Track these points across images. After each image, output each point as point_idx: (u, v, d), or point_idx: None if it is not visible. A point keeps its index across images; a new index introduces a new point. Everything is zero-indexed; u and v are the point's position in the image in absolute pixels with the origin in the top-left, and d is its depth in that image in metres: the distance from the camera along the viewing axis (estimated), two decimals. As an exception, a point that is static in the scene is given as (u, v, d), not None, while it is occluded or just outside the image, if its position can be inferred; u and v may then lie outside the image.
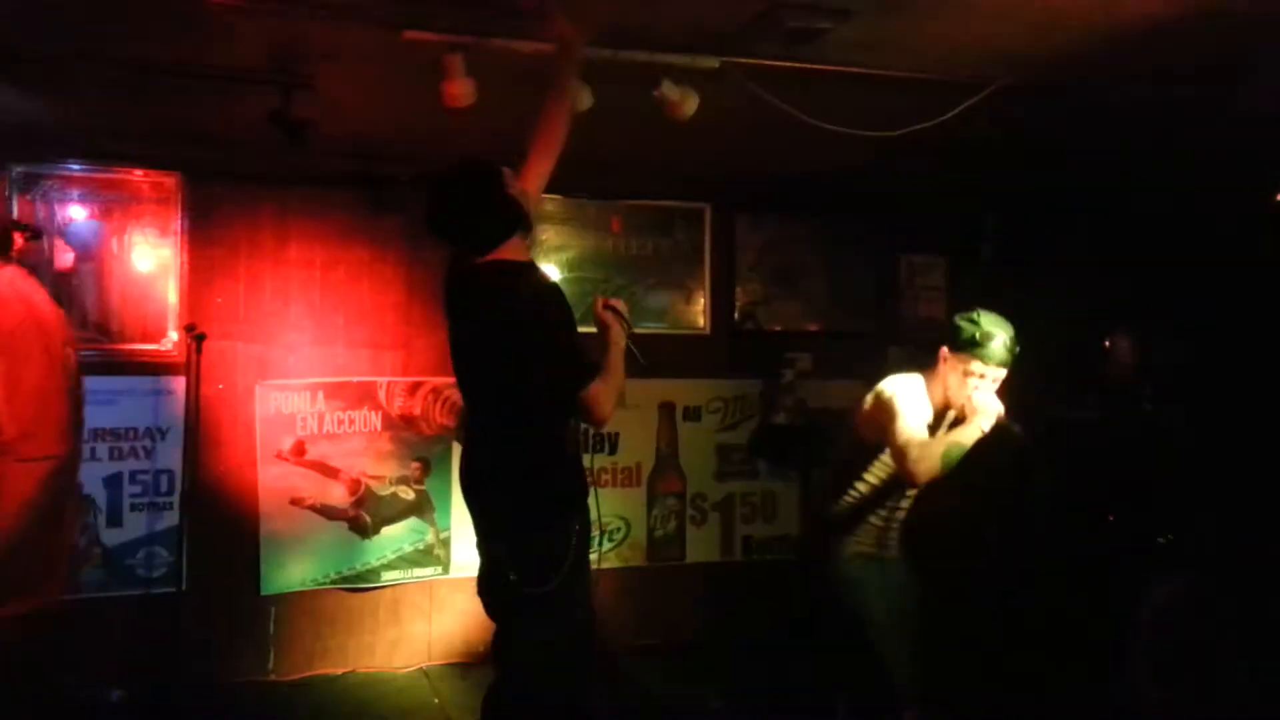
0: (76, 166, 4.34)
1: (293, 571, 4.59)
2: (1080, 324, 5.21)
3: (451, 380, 2.95)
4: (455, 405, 4.74)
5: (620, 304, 2.77)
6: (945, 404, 3.27)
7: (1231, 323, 4.87)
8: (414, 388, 4.79)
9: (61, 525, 3.34)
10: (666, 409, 5.25)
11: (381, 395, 4.74)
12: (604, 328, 2.72)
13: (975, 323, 3.15)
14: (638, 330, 2.84)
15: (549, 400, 2.62)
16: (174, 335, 4.43)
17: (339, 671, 4.68)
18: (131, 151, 4.37)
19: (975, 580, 4.66)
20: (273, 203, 4.61)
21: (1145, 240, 5.25)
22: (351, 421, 4.68)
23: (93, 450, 4.25)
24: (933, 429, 3.24)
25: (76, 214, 4.33)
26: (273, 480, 4.56)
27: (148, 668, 4.24)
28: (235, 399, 4.54)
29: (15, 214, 4.10)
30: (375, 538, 4.72)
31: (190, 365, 4.28)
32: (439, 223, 2.73)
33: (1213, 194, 4.85)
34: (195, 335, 4.25)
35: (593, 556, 2.83)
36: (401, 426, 4.76)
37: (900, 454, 3.09)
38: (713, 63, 3.21)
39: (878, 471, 3.30)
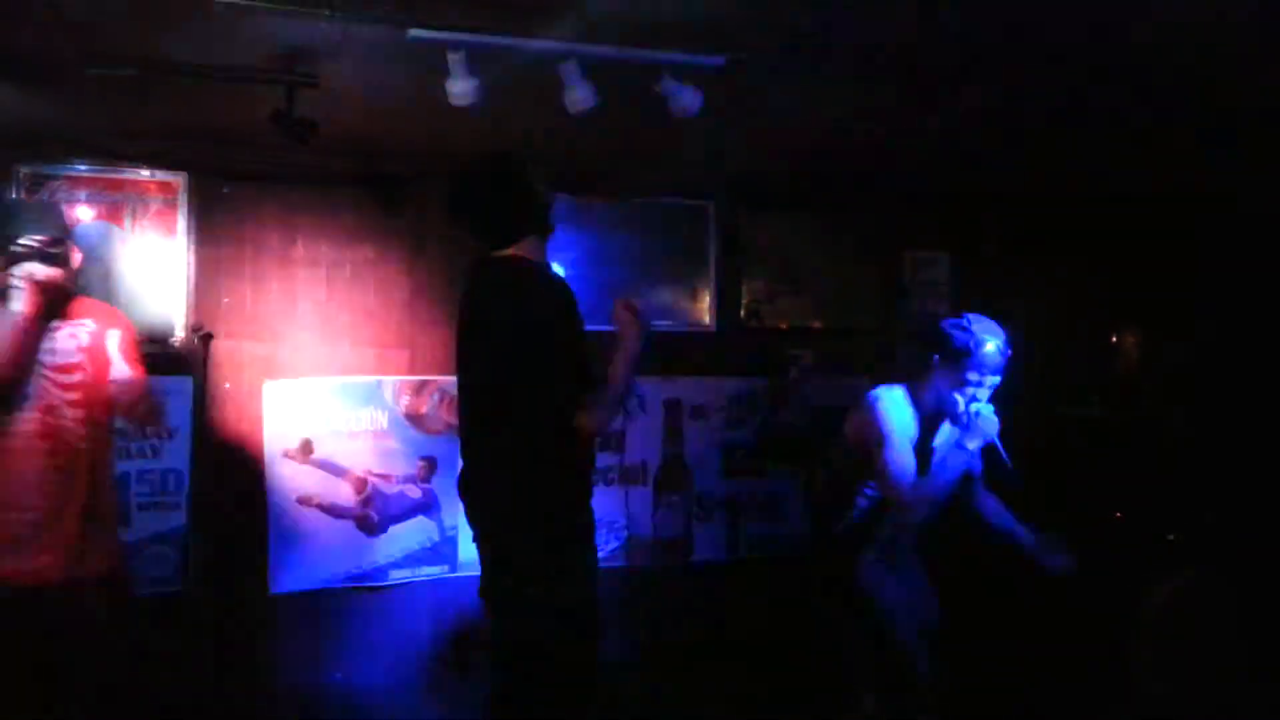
0: (83, 167, 4.35)
1: (301, 570, 4.61)
2: (1086, 321, 5.21)
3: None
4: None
5: (639, 305, 2.75)
6: (937, 412, 3.23)
7: (1235, 321, 4.86)
8: (420, 386, 4.80)
9: None
10: (673, 406, 5.26)
11: (388, 394, 4.75)
12: (621, 327, 2.71)
13: (966, 330, 3.09)
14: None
15: (542, 404, 2.60)
16: (181, 335, 4.45)
17: (347, 670, 4.69)
18: (138, 152, 4.37)
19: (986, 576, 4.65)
20: (279, 202, 4.62)
21: (1150, 238, 5.23)
22: (358, 420, 4.70)
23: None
24: (923, 437, 3.21)
25: (83, 214, 4.34)
26: (280, 479, 4.57)
27: (154, 667, 4.24)
28: (242, 398, 4.55)
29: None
30: (382, 536, 4.74)
31: (197, 365, 4.29)
32: (460, 206, 2.73)
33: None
34: (202, 335, 4.27)
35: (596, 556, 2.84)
36: (408, 425, 4.78)
37: (891, 493, 3.07)
38: (716, 59, 3.20)
39: (877, 486, 3.26)
